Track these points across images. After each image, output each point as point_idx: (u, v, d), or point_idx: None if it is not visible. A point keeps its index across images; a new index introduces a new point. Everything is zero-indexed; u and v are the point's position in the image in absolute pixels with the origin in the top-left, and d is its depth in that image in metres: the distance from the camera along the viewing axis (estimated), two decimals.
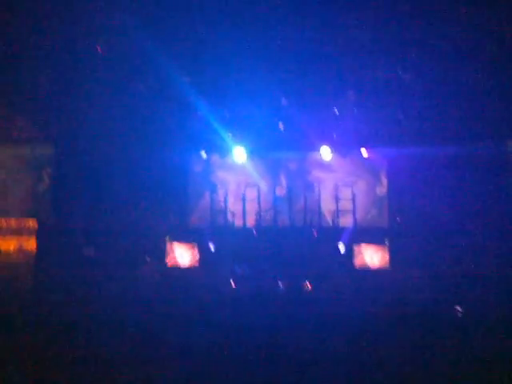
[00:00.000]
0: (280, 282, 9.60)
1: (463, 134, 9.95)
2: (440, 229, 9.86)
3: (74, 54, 9.24)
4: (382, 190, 11.06)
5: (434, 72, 9.57)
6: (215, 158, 11.63)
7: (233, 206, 11.49)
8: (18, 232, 11.26)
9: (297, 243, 10.38)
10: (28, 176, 11.47)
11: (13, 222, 11.31)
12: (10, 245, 11.20)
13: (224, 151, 11.29)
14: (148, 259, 11.00)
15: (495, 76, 9.19)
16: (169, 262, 10.98)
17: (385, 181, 11.03)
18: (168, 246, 11.03)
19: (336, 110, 10.67)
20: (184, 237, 11.13)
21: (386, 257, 10.16)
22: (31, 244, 11.11)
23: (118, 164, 11.14)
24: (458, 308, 6.83)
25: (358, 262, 10.28)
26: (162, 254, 11.03)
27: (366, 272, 10.02)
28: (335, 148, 11.01)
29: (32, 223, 11.23)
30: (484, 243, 9.34)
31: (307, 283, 9.49)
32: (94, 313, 8.14)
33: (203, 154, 11.53)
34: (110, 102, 10.44)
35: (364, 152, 10.97)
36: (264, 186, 11.36)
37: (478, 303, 6.82)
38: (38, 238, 10.99)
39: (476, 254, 9.27)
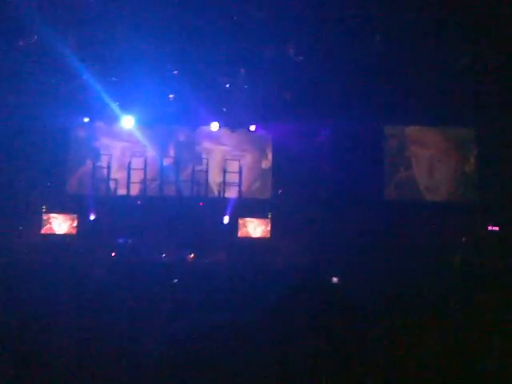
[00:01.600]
0: (163, 252, 9.49)
1: (347, 111, 10.40)
2: (321, 200, 10.37)
3: None
4: (266, 163, 11.36)
5: (324, 49, 9.85)
6: (100, 124, 11.16)
7: (117, 174, 11.15)
8: None
9: (182, 213, 10.35)
10: None
11: None
12: None
13: (110, 118, 10.86)
14: (21, 228, 10.35)
15: (386, 56, 9.54)
16: (44, 231, 10.40)
17: (270, 154, 11.34)
18: (44, 214, 10.45)
19: (226, 84, 10.69)
20: (62, 205, 10.60)
21: (268, 227, 10.50)
22: None
23: None
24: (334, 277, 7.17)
25: (241, 232, 10.50)
26: (37, 223, 10.44)
27: (249, 241, 10.27)
28: (224, 122, 11.08)
29: None
30: (363, 212, 9.96)
31: (191, 253, 9.49)
32: None
33: (86, 120, 11.01)
34: None
35: (251, 127, 11.17)
36: (151, 155, 11.13)
37: (356, 269, 7.24)
38: None
39: (354, 222, 9.86)
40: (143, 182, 11.05)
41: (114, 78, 10.24)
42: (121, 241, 9.80)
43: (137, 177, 11.08)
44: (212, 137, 11.33)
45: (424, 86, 10.00)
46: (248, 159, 11.35)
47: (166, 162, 11.22)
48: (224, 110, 10.93)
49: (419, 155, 11.35)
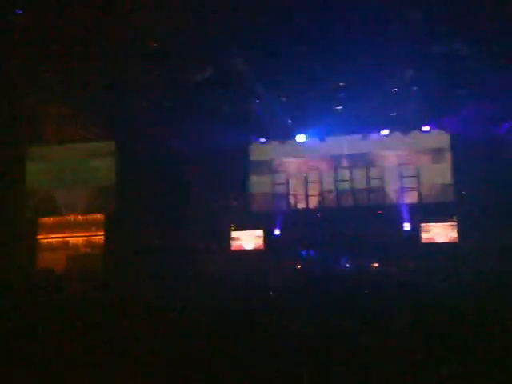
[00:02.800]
0: (346, 262, 9.57)
1: None
2: (505, 201, 9.49)
3: (128, 48, 9.39)
4: (445, 163, 10.79)
5: (495, 39, 9.13)
6: (275, 143, 11.75)
7: (295, 189, 11.62)
8: (86, 227, 11.58)
9: (361, 222, 10.34)
10: (94, 172, 11.52)
11: (81, 218, 11.61)
12: (79, 239, 11.53)
13: (284, 136, 11.41)
14: (214, 246, 11.25)
15: None
16: (234, 247, 11.20)
17: (448, 154, 10.76)
18: (232, 232, 11.27)
19: (394, 88, 10.48)
20: (248, 223, 11.33)
21: (454, 231, 9.93)
22: (100, 237, 11.42)
23: (181, 155, 11.44)
24: None
25: (425, 237, 10.12)
26: (227, 241, 11.28)
27: (434, 247, 9.83)
28: (395, 126, 10.87)
29: (100, 218, 11.48)
30: None
31: (374, 262, 9.41)
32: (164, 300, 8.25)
33: (263, 140, 11.67)
34: (169, 94, 10.63)
35: (425, 127, 10.76)
36: (325, 167, 11.40)
37: None
38: (106, 231, 11.28)
39: None
40: (320, 194, 11.38)
41: (284, 98, 10.71)
42: (304, 253, 10.13)
43: (314, 190, 11.45)
44: (384, 143, 11.17)
45: None
46: (424, 161, 10.95)
47: (341, 172, 11.37)
48: (394, 114, 10.71)
49: None
